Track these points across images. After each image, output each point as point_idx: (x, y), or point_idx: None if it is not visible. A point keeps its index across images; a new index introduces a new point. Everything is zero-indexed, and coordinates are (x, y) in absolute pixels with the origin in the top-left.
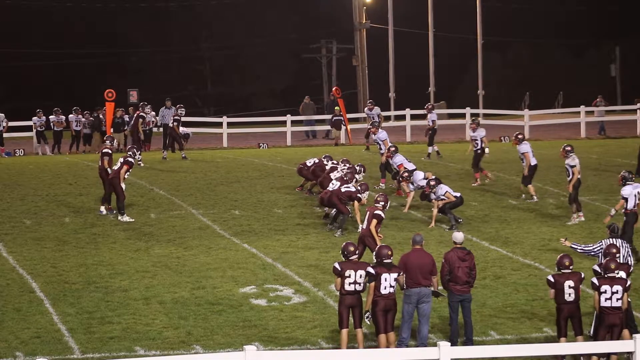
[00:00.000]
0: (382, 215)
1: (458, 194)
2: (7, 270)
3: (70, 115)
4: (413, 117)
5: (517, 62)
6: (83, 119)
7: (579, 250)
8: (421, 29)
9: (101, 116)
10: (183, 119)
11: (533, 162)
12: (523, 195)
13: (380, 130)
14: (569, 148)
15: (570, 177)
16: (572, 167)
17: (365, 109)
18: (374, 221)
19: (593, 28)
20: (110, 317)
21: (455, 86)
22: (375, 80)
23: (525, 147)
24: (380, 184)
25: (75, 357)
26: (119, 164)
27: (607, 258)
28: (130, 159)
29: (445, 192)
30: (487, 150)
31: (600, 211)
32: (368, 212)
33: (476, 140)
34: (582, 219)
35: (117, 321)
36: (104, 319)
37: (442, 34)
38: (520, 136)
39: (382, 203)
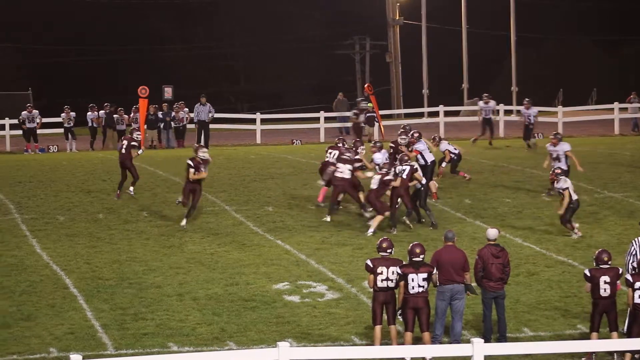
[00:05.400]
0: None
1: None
2: (41, 266)
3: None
4: (446, 113)
5: (550, 59)
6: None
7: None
8: (454, 26)
9: (114, 115)
10: (217, 115)
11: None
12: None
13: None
14: (558, 171)
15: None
16: (563, 190)
17: (481, 102)
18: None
19: (627, 23)
20: (144, 313)
21: (488, 83)
22: (409, 76)
23: (566, 146)
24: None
25: (109, 353)
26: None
27: None
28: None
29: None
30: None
31: (634, 208)
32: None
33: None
34: (580, 233)
35: (151, 317)
36: (137, 315)
37: (475, 31)
38: (559, 136)
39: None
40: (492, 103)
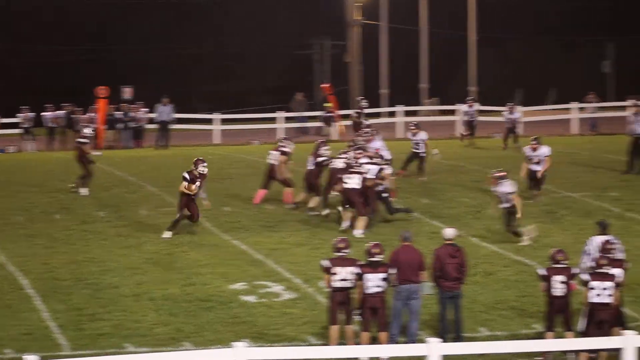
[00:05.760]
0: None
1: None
2: None
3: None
4: (405, 113)
5: (509, 59)
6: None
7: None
8: (415, 26)
9: (72, 115)
10: (176, 115)
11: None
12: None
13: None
14: (501, 174)
15: (502, 204)
16: (509, 194)
17: (465, 106)
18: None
19: (585, 24)
20: (101, 314)
21: (447, 82)
22: (368, 76)
23: (546, 150)
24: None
25: (65, 353)
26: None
27: (600, 254)
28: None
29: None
30: (434, 151)
31: (592, 208)
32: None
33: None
34: (533, 234)
35: (108, 318)
36: (94, 315)
37: (435, 31)
38: (539, 140)
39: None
40: (475, 106)
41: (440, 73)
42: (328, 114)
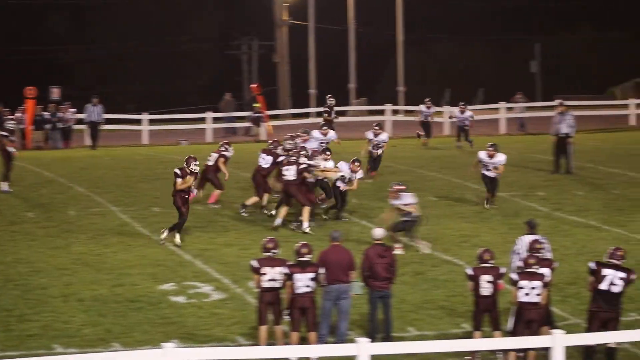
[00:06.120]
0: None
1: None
2: None
3: None
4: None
5: (437, 59)
6: None
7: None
8: (343, 26)
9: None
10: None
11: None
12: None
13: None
14: (401, 187)
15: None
16: (406, 205)
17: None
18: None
19: (513, 25)
20: (29, 315)
21: (376, 82)
22: (296, 76)
23: (503, 157)
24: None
25: None
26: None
27: (529, 253)
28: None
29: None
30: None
31: (520, 207)
32: None
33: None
34: (403, 252)
35: (36, 319)
36: (22, 316)
37: (363, 31)
38: (496, 147)
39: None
40: (433, 108)
41: (369, 73)
42: (257, 114)
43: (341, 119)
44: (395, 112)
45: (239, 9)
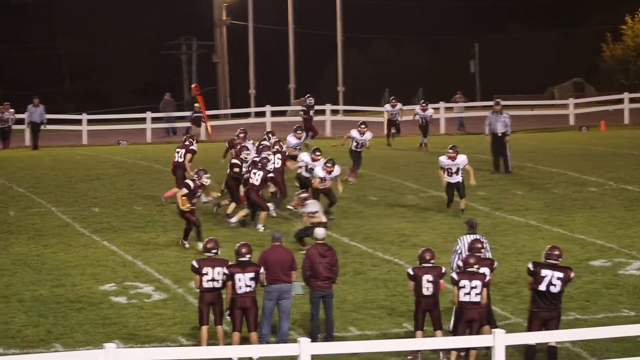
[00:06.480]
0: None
1: None
2: None
3: None
4: (273, 113)
5: (377, 59)
6: None
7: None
8: (282, 26)
9: None
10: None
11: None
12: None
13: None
14: (304, 195)
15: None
16: (314, 214)
17: (388, 105)
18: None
19: (452, 24)
20: None
21: (316, 83)
22: (236, 76)
23: (464, 159)
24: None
25: None
26: None
27: (469, 253)
28: None
29: None
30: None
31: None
32: None
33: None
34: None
35: None
36: None
37: (303, 31)
38: (457, 149)
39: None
40: (398, 105)
41: (309, 73)
42: (197, 114)
43: (280, 119)
44: (334, 112)
45: (176, 8)
